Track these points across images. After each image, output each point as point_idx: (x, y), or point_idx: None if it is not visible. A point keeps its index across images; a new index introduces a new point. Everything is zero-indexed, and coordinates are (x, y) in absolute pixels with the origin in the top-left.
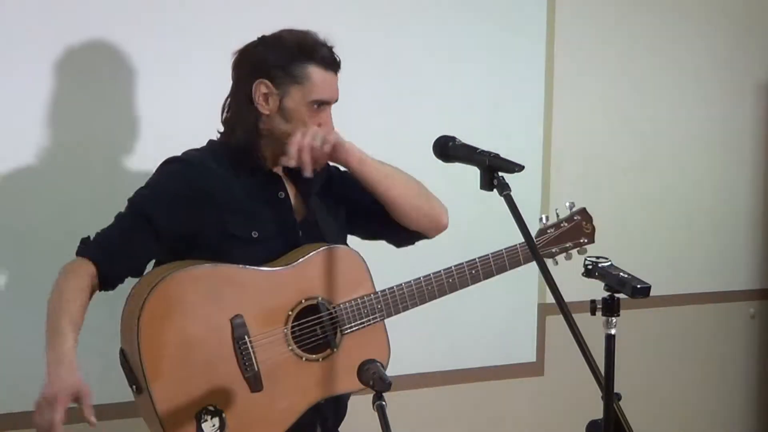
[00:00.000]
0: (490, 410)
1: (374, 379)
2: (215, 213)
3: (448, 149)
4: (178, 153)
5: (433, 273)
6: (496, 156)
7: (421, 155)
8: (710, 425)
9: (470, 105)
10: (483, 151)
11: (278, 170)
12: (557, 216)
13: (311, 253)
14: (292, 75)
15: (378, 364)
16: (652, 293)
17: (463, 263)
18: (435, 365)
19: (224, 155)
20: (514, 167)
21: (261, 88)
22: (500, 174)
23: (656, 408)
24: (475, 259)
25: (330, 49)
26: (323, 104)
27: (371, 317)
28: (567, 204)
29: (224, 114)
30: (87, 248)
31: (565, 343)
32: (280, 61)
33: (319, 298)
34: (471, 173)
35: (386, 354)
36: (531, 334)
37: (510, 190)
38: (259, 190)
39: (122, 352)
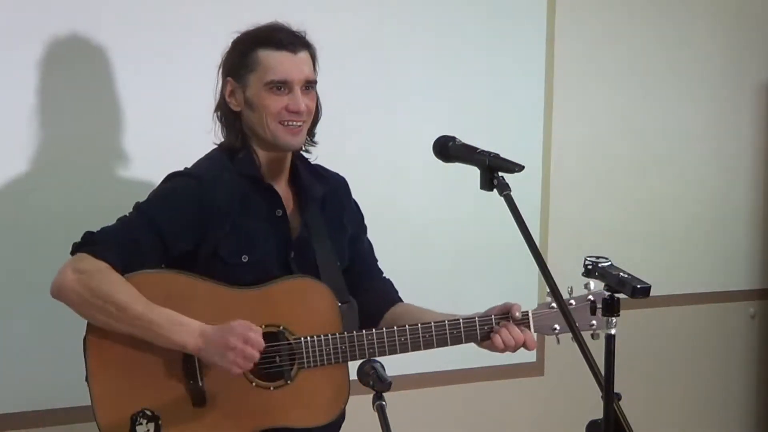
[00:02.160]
0: (490, 410)
1: (374, 379)
2: (215, 233)
3: (448, 149)
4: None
5: (410, 326)
6: (496, 156)
7: (421, 155)
8: (710, 425)
9: (470, 105)
10: (483, 151)
11: (277, 184)
12: (569, 293)
13: (282, 280)
14: (247, 64)
15: (378, 364)
16: (652, 293)
17: (444, 322)
18: (435, 365)
19: (231, 163)
20: (514, 167)
21: (228, 87)
22: (500, 174)
23: (656, 408)
24: (458, 319)
25: (286, 31)
26: (283, 86)
27: (332, 357)
28: (590, 284)
29: (220, 123)
30: (102, 249)
31: (565, 343)
32: (237, 54)
33: (281, 327)
34: (471, 173)
35: (343, 396)
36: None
37: (510, 190)
38: (260, 205)
39: (84, 340)
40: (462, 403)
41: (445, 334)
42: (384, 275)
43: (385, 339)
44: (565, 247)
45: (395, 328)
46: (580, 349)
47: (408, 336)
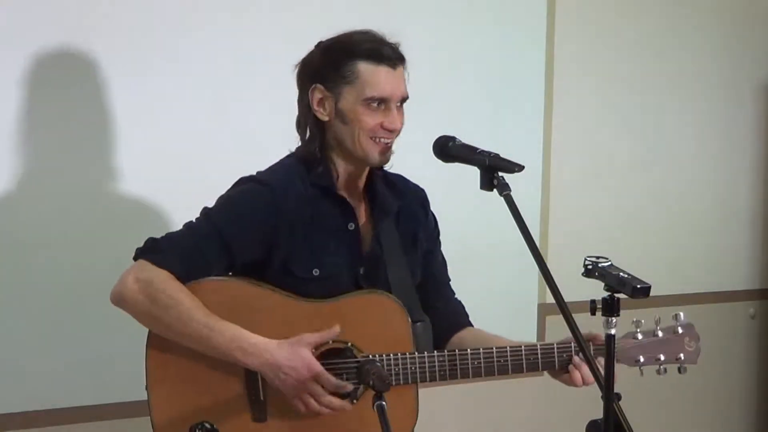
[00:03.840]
0: (490, 410)
1: (374, 379)
2: (285, 244)
3: (448, 149)
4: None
5: (484, 350)
6: (496, 156)
7: (421, 155)
8: (710, 425)
9: (470, 105)
10: (483, 151)
11: (351, 196)
12: (656, 323)
13: (353, 294)
14: (343, 75)
15: (378, 364)
16: (652, 293)
17: (521, 346)
18: None
19: (306, 173)
20: (514, 167)
21: (316, 94)
22: (500, 174)
23: (656, 408)
24: (535, 345)
25: (385, 43)
26: (381, 102)
27: (401, 377)
28: (680, 316)
29: (298, 131)
30: (165, 258)
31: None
32: (331, 62)
33: (349, 344)
34: (471, 173)
35: (411, 420)
36: (531, 334)
37: (510, 190)
38: (331, 218)
39: (146, 349)
40: (462, 403)
41: (521, 360)
42: (455, 296)
43: (458, 362)
44: (565, 247)
45: (468, 351)
46: (580, 349)
47: (482, 360)
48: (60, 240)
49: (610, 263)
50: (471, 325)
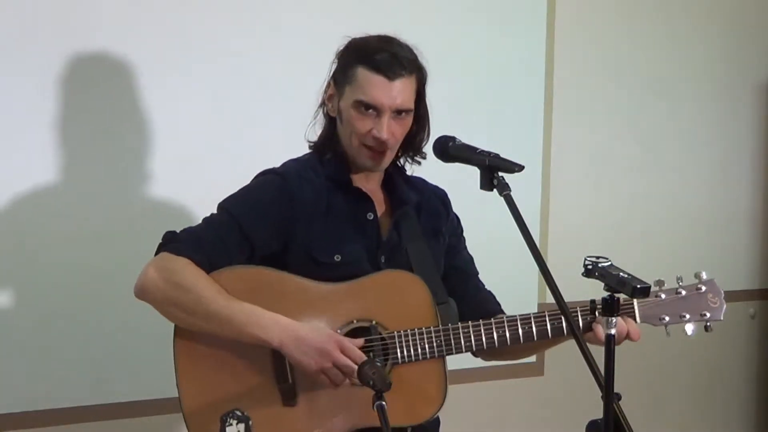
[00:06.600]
0: (490, 410)
1: (374, 378)
2: (304, 232)
3: (448, 149)
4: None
5: (507, 318)
6: (496, 156)
7: None
8: (710, 425)
9: (470, 105)
10: (483, 151)
11: (369, 187)
12: (678, 282)
13: (374, 274)
14: (346, 75)
15: (379, 364)
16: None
17: (544, 313)
18: None
19: (321, 165)
20: (514, 167)
21: (329, 91)
22: (500, 174)
23: (656, 408)
24: (558, 310)
25: (390, 53)
26: (371, 108)
27: (427, 352)
28: (702, 273)
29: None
30: (185, 247)
31: (565, 344)
32: (343, 62)
33: (373, 322)
34: (471, 173)
35: (440, 395)
36: None
37: (510, 190)
38: (349, 208)
39: (173, 343)
40: (462, 403)
41: (545, 325)
42: (485, 287)
43: (482, 332)
44: (565, 247)
45: (492, 320)
46: (580, 350)
47: (506, 328)
48: (60, 241)
49: (610, 263)
50: (503, 312)
